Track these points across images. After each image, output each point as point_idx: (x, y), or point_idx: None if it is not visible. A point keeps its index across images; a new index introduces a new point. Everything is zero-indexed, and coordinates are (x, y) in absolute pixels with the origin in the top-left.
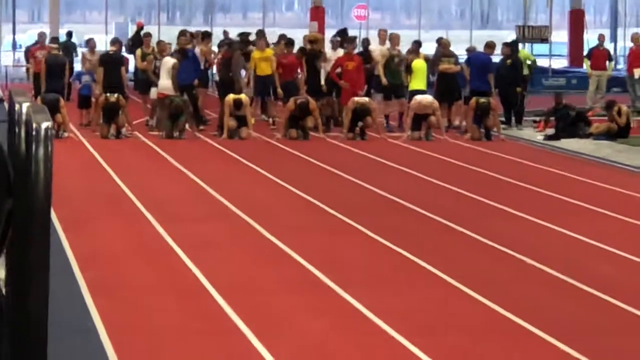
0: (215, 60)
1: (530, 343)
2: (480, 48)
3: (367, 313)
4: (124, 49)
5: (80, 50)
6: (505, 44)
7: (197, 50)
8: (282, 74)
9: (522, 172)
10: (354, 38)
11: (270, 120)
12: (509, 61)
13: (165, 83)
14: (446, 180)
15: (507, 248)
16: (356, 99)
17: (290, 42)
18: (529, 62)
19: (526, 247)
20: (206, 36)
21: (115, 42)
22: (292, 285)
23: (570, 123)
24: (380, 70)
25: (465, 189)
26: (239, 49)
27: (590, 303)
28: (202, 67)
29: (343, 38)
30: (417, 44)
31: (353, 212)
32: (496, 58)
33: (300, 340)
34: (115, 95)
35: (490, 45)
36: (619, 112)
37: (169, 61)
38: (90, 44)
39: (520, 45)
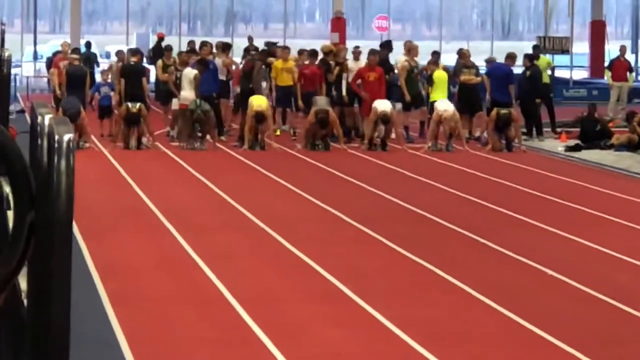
0: (236, 72)
1: (550, 353)
2: (501, 59)
3: (386, 322)
4: (145, 59)
5: (102, 61)
6: (526, 55)
7: (218, 61)
8: (303, 85)
9: (543, 183)
10: (377, 50)
11: (291, 131)
12: (528, 72)
13: (187, 94)
14: (466, 191)
15: (527, 258)
16: (379, 109)
17: (313, 53)
18: (549, 71)
19: (546, 258)
20: (226, 47)
21: (136, 52)
22: (311, 295)
23: (595, 136)
24: (402, 84)
25: (485, 199)
26: (260, 59)
27: (610, 313)
28: (224, 78)
29: (383, 50)
30: (437, 54)
31: (373, 222)
32: (518, 69)
33: (318, 349)
34: (137, 105)
35: (511, 57)
36: None
37: (190, 72)
38: (119, 55)
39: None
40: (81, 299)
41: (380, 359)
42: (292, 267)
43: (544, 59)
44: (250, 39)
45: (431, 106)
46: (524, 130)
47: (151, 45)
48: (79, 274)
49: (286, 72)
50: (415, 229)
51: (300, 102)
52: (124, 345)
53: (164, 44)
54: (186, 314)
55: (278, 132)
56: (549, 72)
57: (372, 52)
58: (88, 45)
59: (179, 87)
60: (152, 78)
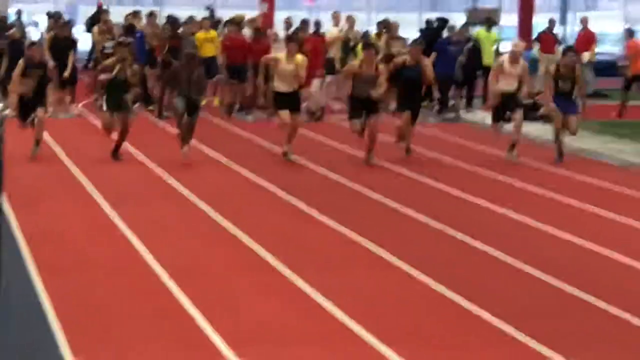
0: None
1: (479, 326)
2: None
3: (318, 295)
4: (82, 28)
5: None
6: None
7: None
8: (227, 55)
9: (472, 155)
10: (306, 21)
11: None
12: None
13: None
14: (398, 163)
15: (456, 230)
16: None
17: (231, 22)
18: (495, 46)
19: (474, 230)
20: (150, 16)
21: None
22: (242, 268)
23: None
24: (335, 55)
25: (412, 170)
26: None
27: (538, 286)
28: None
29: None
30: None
31: (302, 194)
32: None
33: (249, 321)
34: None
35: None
36: None
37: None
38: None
39: (479, 28)
40: (9, 266)
41: (312, 332)
42: (223, 239)
43: (493, 34)
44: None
45: None
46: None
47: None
48: (7, 243)
49: (209, 42)
50: (345, 201)
51: (223, 73)
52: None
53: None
54: (115, 284)
55: (216, 102)
56: (495, 46)
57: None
58: (19, 13)
59: (108, 57)
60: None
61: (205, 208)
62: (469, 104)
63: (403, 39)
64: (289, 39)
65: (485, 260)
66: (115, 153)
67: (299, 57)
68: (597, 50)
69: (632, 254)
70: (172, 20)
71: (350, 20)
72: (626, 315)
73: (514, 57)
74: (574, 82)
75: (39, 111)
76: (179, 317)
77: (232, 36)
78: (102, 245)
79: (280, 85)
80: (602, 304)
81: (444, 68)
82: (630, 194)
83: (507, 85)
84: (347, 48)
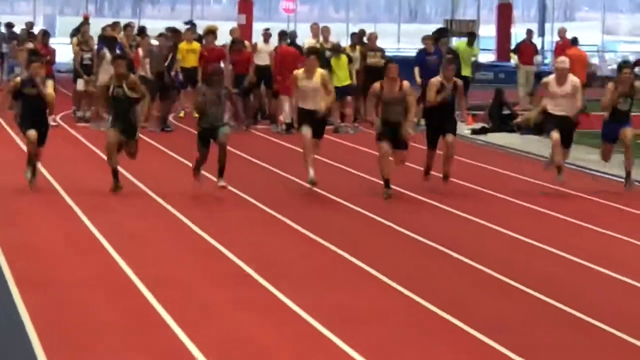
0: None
1: (456, 337)
2: (407, 42)
3: (294, 307)
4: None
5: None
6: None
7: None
8: (204, 66)
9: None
10: (285, 32)
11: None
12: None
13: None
14: (372, 174)
15: (432, 241)
16: None
17: (208, 32)
18: (473, 58)
19: (451, 241)
20: (126, 27)
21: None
22: (219, 279)
23: (501, 119)
24: None
25: (393, 182)
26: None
27: (514, 297)
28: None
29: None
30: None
31: (283, 207)
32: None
33: (225, 332)
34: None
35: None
36: None
37: (106, 54)
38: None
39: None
40: None
41: (288, 343)
42: (201, 251)
43: (475, 49)
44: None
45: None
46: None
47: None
48: None
49: (192, 53)
50: (325, 213)
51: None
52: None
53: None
54: (92, 296)
55: (182, 114)
56: (473, 58)
57: (281, 35)
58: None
59: (87, 68)
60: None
61: (184, 219)
62: None
63: (382, 50)
64: (309, 52)
65: (461, 271)
66: (114, 182)
67: (320, 72)
68: None
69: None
70: (174, 30)
71: (326, 32)
72: (603, 326)
73: (562, 76)
74: (632, 99)
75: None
76: (156, 328)
77: (210, 47)
78: (79, 257)
79: (303, 104)
80: (578, 314)
81: (425, 78)
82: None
83: (557, 108)
84: (324, 60)
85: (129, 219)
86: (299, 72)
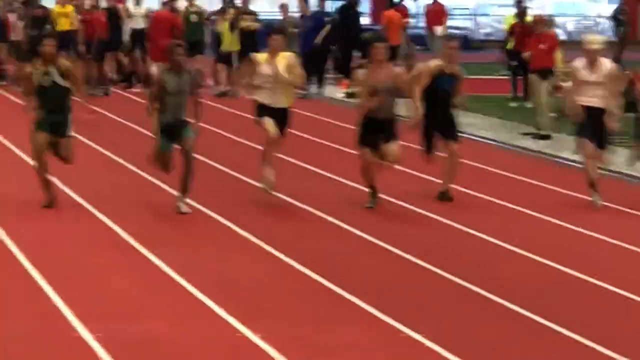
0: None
1: (335, 303)
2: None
3: (172, 273)
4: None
5: None
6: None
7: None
8: (84, 30)
9: (324, 130)
10: None
11: None
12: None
13: None
14: (242, 136)
15: (310, 207)
16: None
17: None
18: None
19: (329, 207)
20: None
21: None
22: (98, 245)
23: None
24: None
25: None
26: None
27: (398, 263)
28: None
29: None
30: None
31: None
32: None
33: (104, 297)
34: None
35: None
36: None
37: None
38: None
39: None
40: None
41: (165, 308)
42: (78, 215)
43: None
44: None
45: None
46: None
47: None
48: None
49: (64, 16)
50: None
51: (80, 48)
52: None
53: None
54: None
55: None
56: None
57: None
58: None
59: None
60: None
61: (65, 188)
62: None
63: (254, 14)
64: (275, 31)
65: (354, 242)
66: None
67: (285, 56)
68: (448, 24)
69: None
70: None
71: None
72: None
73: (592, 59)
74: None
75: None
76: (32, 292)
77: (87, 11)
78: None
79: (262, 97)
80: (451, 278)
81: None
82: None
83: (588, 98)
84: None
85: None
86: (261, 55)
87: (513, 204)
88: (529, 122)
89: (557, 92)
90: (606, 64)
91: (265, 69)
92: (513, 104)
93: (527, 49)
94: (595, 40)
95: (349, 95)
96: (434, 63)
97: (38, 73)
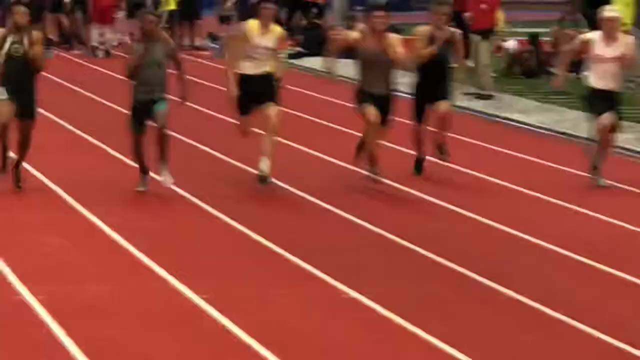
0: None
1: (278, 263)
2: None
3: (109, 230)
4: None
5: None
6: None
7: None
8: None
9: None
10: None
11: None
12: None
13: None
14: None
15: (247, 165)
16: None
17: None
18: None
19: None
20: None
21: None
22: (31, 205)
23: (318, 43)
24: None
25: (200, 104)
26: None
27: (328, 219)
28: None
29: None
30: None
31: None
32: None
33: (39, 257)
34: None
35: None
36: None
37: None
38: None
39: None
40: None
41: (105, 269)
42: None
43: None
44: None
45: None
46: None
47: None
48: None
49: None
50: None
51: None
52: None
53: None
54: None
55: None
56: None
57: None
58: None
59: None
60: None
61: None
62: None
63: None
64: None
65: (279, 198)
66: (15, 171)
67: (277, 30)
68: None
69: None
70: None
71: None
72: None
73: (611, 31)
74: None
75: None
76: None
77: None
78: None
79: (246, 68)
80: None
81: None
82: None
83: (601, 78)
84: None
85: None
86: (252, 24)
87: (455, 164)
88: (471, 83)
89: (498, 52)
90: (626, 38)
91: (258, 40)
92: (454, 64)
93: (468, 9)
94: (615, 9)
95: (291, 56)
96: (424, 28)
97: (9, 43)
